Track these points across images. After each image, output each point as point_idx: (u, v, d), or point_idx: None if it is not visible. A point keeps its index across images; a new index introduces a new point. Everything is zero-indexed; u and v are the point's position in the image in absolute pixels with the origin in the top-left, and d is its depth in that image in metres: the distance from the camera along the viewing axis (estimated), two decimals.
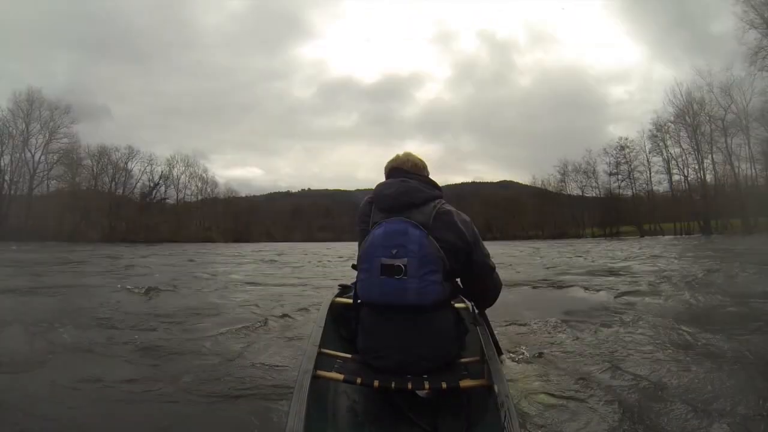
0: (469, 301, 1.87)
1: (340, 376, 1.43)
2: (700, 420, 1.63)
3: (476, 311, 1.81)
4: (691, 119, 35.71)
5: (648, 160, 42.26)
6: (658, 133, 39.36)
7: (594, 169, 47.19)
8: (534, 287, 5.54)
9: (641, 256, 11.08)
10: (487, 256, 1.62)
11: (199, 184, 52.36)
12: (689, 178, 37.99)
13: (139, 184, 46.64)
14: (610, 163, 45.75)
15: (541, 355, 2.45)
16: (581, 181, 48.40)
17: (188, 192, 51.65)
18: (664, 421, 1.65)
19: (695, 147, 36.13)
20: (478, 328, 1.69)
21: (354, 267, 1.60)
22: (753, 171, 33.40)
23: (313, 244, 35.03)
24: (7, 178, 36.64)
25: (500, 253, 15.17)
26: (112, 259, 12.14)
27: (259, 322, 3.31)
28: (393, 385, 1.37)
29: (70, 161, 39.29)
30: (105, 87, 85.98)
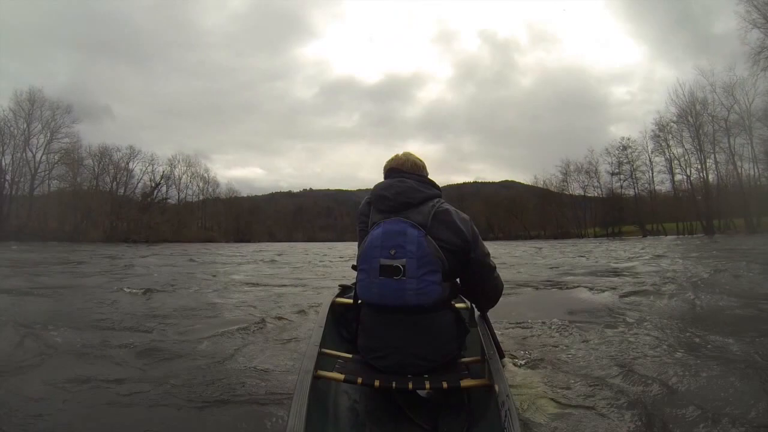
0: (470, 301, 1.84)
1: (341, 376, 1.43)
2: (712, 427, 1.57)
3: (477, 312, 1.79)
4: (693, 119, 35.71)
5: (650, 160, 42.36)
6: (661, 132, 39.45)
7: (596, 169, 47.31)
8: (537, 288, 5.48)
9: (644, 256, 11.01)
10: (487, 255, 1.60)
11: (201, 184, 52.74)
12: (692, 178, 37.98)
13: (140, 184, 47.00)
14: (612, 162, 45.86)
15: (544, 358, 2.40)
16: (583, 181, 48.53)
17: (190, 192, 52.02)
18: (674, 427, 1.59)
19: (698, 147, 36.16)
20: (478, 328, 1.68)
21: (354, 267, 1.60)
22: (756, 171, 33.43)
23: (315, 244, 35.14)
24: (8, 177, 36.79)
25: (502, 253, 15.13)
26: (112, 260, 12.14)
27: (256, 324, 3.27)
28: (394, 384, 1.38)
29: (72, 161, 39.40)
30: (106, 87, 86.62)
